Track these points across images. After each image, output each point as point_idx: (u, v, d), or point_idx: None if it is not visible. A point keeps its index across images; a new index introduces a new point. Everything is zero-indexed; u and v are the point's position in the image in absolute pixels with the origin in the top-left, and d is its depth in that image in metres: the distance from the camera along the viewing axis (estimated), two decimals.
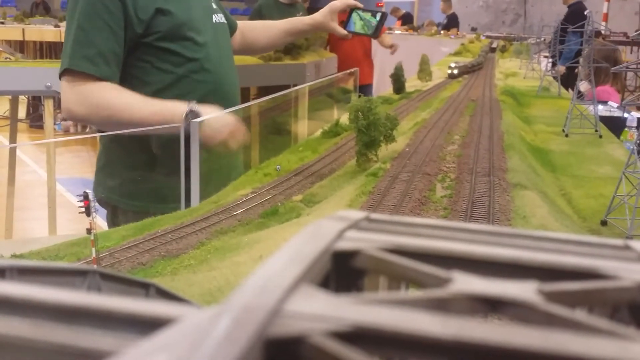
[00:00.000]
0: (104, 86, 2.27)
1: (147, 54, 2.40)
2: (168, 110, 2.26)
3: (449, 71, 5.26)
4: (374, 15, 3.14)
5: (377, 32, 3.16)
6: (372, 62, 7.36)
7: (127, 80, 2.37)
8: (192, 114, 2.19)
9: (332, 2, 3.19)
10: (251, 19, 5.10)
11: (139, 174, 2.43)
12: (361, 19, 3.14)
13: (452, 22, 13.06)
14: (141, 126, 2.20)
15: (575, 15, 3.43)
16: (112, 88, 2.30)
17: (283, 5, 5.74)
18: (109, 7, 2.29)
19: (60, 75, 2.32)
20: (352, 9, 3.15)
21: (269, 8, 5.63)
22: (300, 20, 3.26)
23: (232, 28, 2.98)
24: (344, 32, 3.13)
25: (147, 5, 2.35)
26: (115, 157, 2.50)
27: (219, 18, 2.75)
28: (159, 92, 2.36)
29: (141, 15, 2.32)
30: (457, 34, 11.71)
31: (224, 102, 2.41)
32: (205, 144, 2.23)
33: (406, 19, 15.85)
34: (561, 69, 5.38)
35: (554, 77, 5.13)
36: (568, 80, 5.62)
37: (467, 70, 5.55)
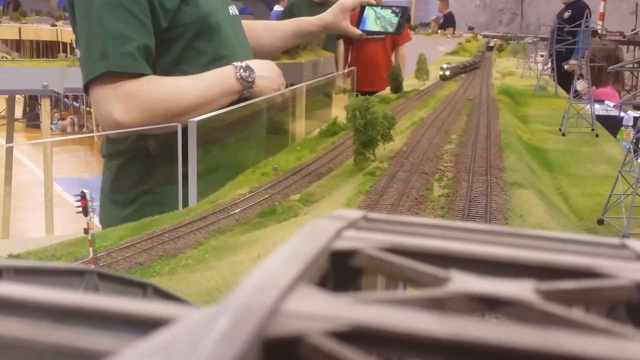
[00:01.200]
0: (144, 81, 2.06)
1: (170, 53, 2.19)
2: (221, 78, 2.17)
3: (441, 72, 5.00)
4: (394, 13, 2.88)
5: (400, 29, 2.90)
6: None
7: None
8: (246, 71, 2.18)
9: (342, 0, 2.90)
10: (281, 19, 4.87)
11: (153, 185, 2.22)
12: (378, 16, 2.88)
13: (448, 21, 13.09)
14: (205, 104, 2.10)
15: (582, 13, 3.43)
16: (152, 80, 2.09)
17: (315, 4, 5.55)
18: None
19: (90, 83, 2.04)
20: (363, 6, 2.89)
21: (300, 8, 5.47)
22: (308, 21, 2.98)
23: None
24: (358, 32, 2.86)
25: None
26: (127, 176, 2.26)
27: (234, 10, 2.56)
28: None
29: (167, 4, 2.11)
30: (454, 34, 11.73)
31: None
32: (261, 92, 2.28)
33: None
34: (573, 64, 5.36)
35: (567, 71, 5.13)
36: (564, 79, 5.64)
37: (461, 71, 5.35)
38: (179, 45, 2.19)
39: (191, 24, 2.18)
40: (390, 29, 2.92)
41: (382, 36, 5.81)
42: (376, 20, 2.89)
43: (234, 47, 2.34)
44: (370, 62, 6.15)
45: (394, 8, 2.89)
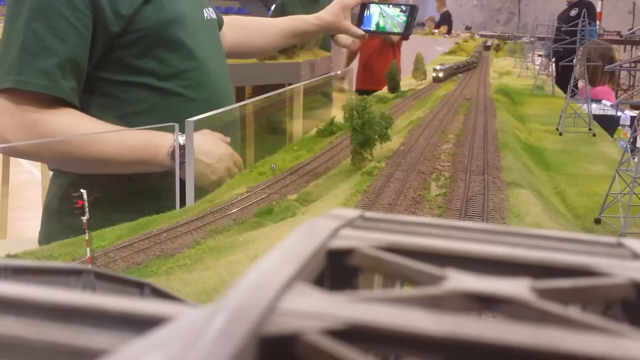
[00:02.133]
0: (57, 113, 1.77)
1: (123, 63, 1.92)
2: (149, 145, 1.85)
3: (434, 74, 4.72)
4: (402, 12, 2.61)
5: (409, 30, 2.62)
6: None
7: (93, 99, 1.91)
8: (181, 150, 1.83)
9: None
10: (273, 17, 4.78)
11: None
12: (383, 14, 2.61)
13: (444, 20, 13.14)
14: (116, 165, 1.80)
15: (589, 12, 3.44)
16: (70, 113, 1.79)
17: (307, 1, 5.28)
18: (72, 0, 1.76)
19: None
20: (365, 4, 2.65)
21: (292, 5, 5.22)
22: (305, 20, 2.74)
23: (219, 24, 2.52)
24: (360, 32, 2.63)
25: None
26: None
27: (209, 13, 2.29)
28: (139, 115, 1.94)
29: (123, 9, 1.84)
30: (450, 33, 11.76)
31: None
32: (198, 181, 1.89)
33: None
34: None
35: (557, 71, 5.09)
36: (562, 79, 5.65)
37: (455, 72, 5.14)
38: (134, 54, 1.92)
39: (150, 28, 1.91)
40: (398, 30, 2.66)
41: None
42: (381, 19, 2.64)
43: (203, 59, 2.09)
44: (375, 60, 5.86)
45: (401, 6, 2.63)
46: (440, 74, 4.70)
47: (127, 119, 1.92)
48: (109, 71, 1.91)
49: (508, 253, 0.36)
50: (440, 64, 4.90)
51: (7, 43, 1.76)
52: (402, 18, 2.59)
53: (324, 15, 2.68)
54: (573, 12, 8.15)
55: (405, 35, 2.74)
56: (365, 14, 2.68)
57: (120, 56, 1.91)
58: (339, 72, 4.60)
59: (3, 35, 1.81)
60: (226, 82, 2.31)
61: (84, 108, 1.89)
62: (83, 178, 1.94)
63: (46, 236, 1.97)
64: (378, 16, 2.64)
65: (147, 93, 1.97)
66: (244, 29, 2.62)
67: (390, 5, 2.66)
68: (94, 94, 1.91)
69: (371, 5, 2.68)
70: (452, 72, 5.02)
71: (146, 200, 1.90)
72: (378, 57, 5.97)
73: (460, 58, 6.25)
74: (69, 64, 1.78)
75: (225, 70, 2.32)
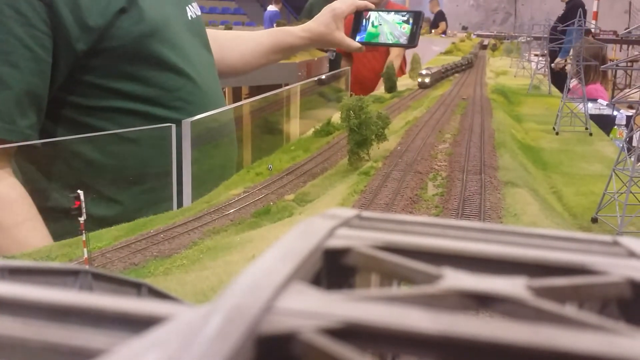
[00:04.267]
0: (5, 180, 1.49)
1: (96, 85, 1.66)
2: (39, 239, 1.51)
3: (419, 79, 4.25)
4: (405, 19, 2.21)
5: (414, 40, 2.22)
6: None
7: (65, 131, 1.66)
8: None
9: (334, 5, 2.29)
10: (301, 20, 4.43)
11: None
12: (383, 23, 2.23)
13: (439, 19, 13.20)
14: (13, 239, 1.48)
15: (576, 12, 3.43)
16: (15, 189, 1.51)
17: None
18: (25, 14, 1.45)
19: None
20: (360, 11, 2.28)
21: (320, 7, 5.00)
22: (290, 32, 2.38)
23: None
24: (356, 44, 2.26)
25: (105, 3, 1.59)
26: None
27: (194, 10, 2.02)
28: (121, 145, 1.72)
29: (91, 19, 1.55)
30: (446, 31, 11.79)
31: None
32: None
33: None
34: (561, 62, 5.36)
35: (553, 69, 5.05)
36: (558, 78, 5.66)
37: (444, 76, 4.75)
38: (109, 74, 1.65)
39: (128, 44, 1.64)
40: (402, 40, 2.24)
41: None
42: (380, 28, 2.25)
43: (192, 73, 1.84)
44: (370, 70, 5.23)
45: (403, 13, 2.24)
46: (427, 79, 4.26)
47: (98, 149, 1.69)
48: (80, 96, 1.65)
49: (504, 252, 0.36)
50: (427, 68, 4.48)
51: None
52: (406, 27, 2.22)
53: (313, 26, 2.32)
54: (561, 12, 8.17)
55: (409, 46, 2.32)
56: (361, 22, 2.29)
57: (91, 79, 1.63)
58: (342, 69, 4.49)
59: None
60: (217, 92, 2.09)
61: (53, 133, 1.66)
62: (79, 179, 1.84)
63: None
64: (377, 25, 2.27)
65: (128, 119, 1.72)
66: (214, 44, 2.17)
67: (392, 12, 2.27)
68: (66, 123, 1.64)
69: (368, 12, 2.30)
70: (440, 77, 4.64)
71: (143, 201, 1.90)
72: (365, 68, 5.30)
73: (457, 58, 6.21)
74: (26, 97, 1.51)
75: (215, 78, 2.09)
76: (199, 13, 2.05)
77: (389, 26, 2.24)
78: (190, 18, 1.96)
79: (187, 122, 1.96)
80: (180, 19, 1.88)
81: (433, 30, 12.48)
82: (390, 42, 2.27)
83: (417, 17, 2.22)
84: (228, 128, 2.22)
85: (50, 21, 1.52)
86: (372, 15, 2.27)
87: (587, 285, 0.32)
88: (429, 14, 14.76)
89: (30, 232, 1.53)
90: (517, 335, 0.25)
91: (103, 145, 1.79)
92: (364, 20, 2.28)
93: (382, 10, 2.29)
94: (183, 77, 1.82)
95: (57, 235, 1.51)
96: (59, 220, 1.61)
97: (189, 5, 1.98)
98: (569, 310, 0.28)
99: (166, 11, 1.79)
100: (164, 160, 1.91)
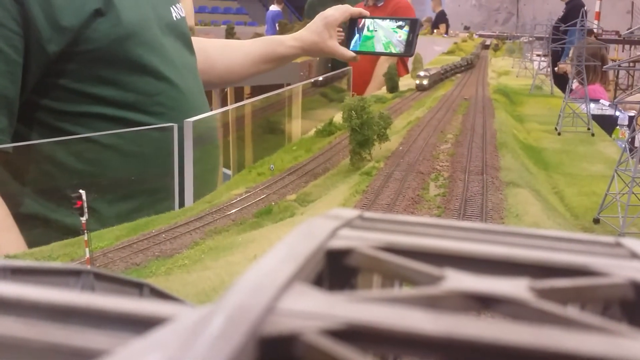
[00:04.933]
0: None
1: (72, 90, 1.58)
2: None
3: (417, 82, 4.10)
4: (400, 27, 2.13)
5: (411, 49, 2.12)
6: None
7: (35, 132, 1.59)
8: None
9: (326, 13, 2.20)
10: (306, 17, 4.06)
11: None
12: (378, 31, 2.14)
13: (440, 19, 13.21)
14: None
15: (576, 12, 3.43)
16: None
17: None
18: None
19: None
20: (354, 19, 2.20)
21: (318, 6, 4.46)
22: (281, 42, 2.29)
23: None
24: (350, 54, 2.19)
25: (81, 1, 1.52)
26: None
27: (178, 11, 1.92)
28: (99, 152, 1.63)
29: (65, 19, 1.48)
30: (447, 31, 11.80)
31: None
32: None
33: None
34: (563, 66, 5.35)
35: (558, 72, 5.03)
36: (560, 79, 5.65)
37: (442, 77, 4.59)
38: (85, 78, 1.58)
39: (104, 47, 1.56)
40: (397, 49, 2.14)
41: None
42: (375, 36, 2.15)
43: (173, 77, 1.76)
44: (360, 73, 4.94)
45: (399, 21, 2.14)
46: (425, 81, 4.07)
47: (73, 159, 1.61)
48: (55, 100, 1.58)
49: (506, 253, 0.36)
50: (425, 70, 4.31)
51: None
52: (402, 35, 2.12)
53: (305, 35, 2.22)
54: (561, 13, 8.15)
55: (405, 55, 2.25)
56: (355, 30, 2.20)
57: (66, 83, 1.56)
58: (343, 69, 4.42)
59: None
60: (199, 96, 1.99)
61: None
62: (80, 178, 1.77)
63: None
64: (371, 34, 2.18)
65: (105, 125, 1.63)
66: (201, 54, 2.08)
67: (387, 20, 2.19)
68: (40, 128, 1.56)
69: (363, 20, 2.21)
70: (439, 78, 4.47)
71: (145, 201, 1.89)
72: (355, 71, 4.88)
73: (457, 59, 6.18)
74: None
75: (197, 81, 1.99)
76: (182, 14, 1.96)
77: (384, 34, 2.15)
78: (175, 19, 1.87)
79: (188, 122, 1.96)
80: (163, 20, 1.80)
81: (435, 30, 12.48)
82: (386, 51, 2.18)
83: (413, 25, 2.13)
84: (211, 134, 2.12)
85: (21, 20, 1.44)
86: (367, 22, 2.18)
87: (590, 287, 0.32)
88: (430, 14, 14.77)
89: (3, 245, 1.46)
90: (519, 336, 0.25)
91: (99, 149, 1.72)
92: (358, 28, 2.20)
93: (377, 18, 2.20)
94: (163, 81, 1.75)
95: (32, 244, 1.47)
96: (36, 228, 1.58)
97: (174, 6, 1.89)
98: (571, 311, 0.28)
99: (146, 13, 1.70)
100: (165, 161, 1.89)
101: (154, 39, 1.71)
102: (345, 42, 2.20)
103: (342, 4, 4.46)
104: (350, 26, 2.21)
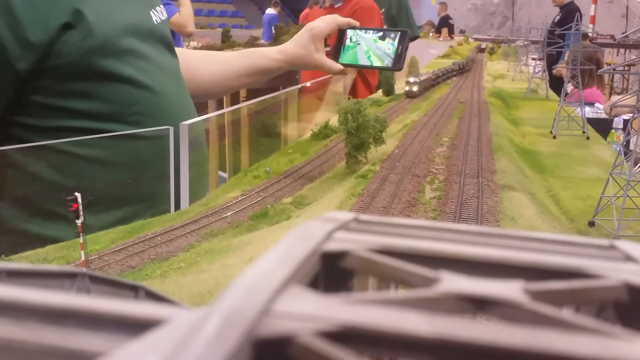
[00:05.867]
0: None
1: (46, 105, 1.54)
2: None
3: (407, 88, 3.90)
4: (390, 38, 2.00)
5: (399, 62, 2.01)
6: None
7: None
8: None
9: (312, 24, 2.11)
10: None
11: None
12: (367, 43, 2.03)
13: (443, 24, 13.28)
14: None
15: (571, 16, 3.44)
16: None
17: None
18: None
19: None
20: (342, 30, 2.09)
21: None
22: (264, 55, 2.17)
23: None
24: (338, 66, 2.07)
25: (48, 15, 1.45)
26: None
27: (159, 14, 1.82)
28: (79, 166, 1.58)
29: (33, 35, 1.43)
30: (451, 36, 11.85)
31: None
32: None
33: None
34: (560, 69, 5.37)
35: (552, 74, 5.03)
36: (556, 82, 5.67)
37: (434, 83, 4.42)
38: (58, 93, 1.53)
39: (76, 61, 1.50)
40: (386, 62, 2.02)
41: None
42: (364, 49, 2.06)
43: (153, 85, 1.68)
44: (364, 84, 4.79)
45: (389, 32, 2.03)
46: (415, 88, 3.87)
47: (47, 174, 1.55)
48: (30, 116, 1.54)
49: (501, 255, 0.36)
50: (414, 75, 4.10)
51: None
52: (390, 47, 2.01)
53: (290, 47, 2.11)
54: (557, 18, 8.16)
55: (394, 69, 2.13)
56: (343, 43, 2.09)
57: (40, 99, 1.52)
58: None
59: None
60: (183, 101, 1.91)
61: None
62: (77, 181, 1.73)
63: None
64: (360, 45, 2.07)
65: (73, 135, 1.58)
66: (183, 66, 1.99)
67: (374, 31, 2.07)
68: (17, 144, 1.52)
69: (350, 31, 2.10)
70: (430, 84, 4.30)
71: (140, 204, 1.88)
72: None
73: (449, 63, 6.16)
74: None
75: (181, 85, 1.91)
76: (163, 17, 1.87)
77: (370, 46, 2.03)
78: (155, 22, 1.78)
79: (184, 125, 1.95)
80: (142, 26, 1.72)
81: (431, 34, 12.53)
82: (374, 64, 2.06)
83: (402, 37, 2.01)
84: (200, 138, 2.07)
85: None
86: (354, 34, 2.07)
87: (584, 289, 0.32)
88: (428, 17, 14.81)
89: None
90: (514, 338, 0.25)
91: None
92: (346, 40, 2.09)
93: (365, 29, 2.09)
94: (141, 89, 1.67)
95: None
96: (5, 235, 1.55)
97: (154, 9, 1.80)
98: (566, 314, 0.28)
99: (120, 20, 1.63)
100: (160, 164, 1.87)
101: (130, 46, 1.64)
102: (334, 55, 2.11)
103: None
104: (338, 38, 2.11)
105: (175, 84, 1.87)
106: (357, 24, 2.10)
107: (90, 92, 1.57)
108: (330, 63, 2.07)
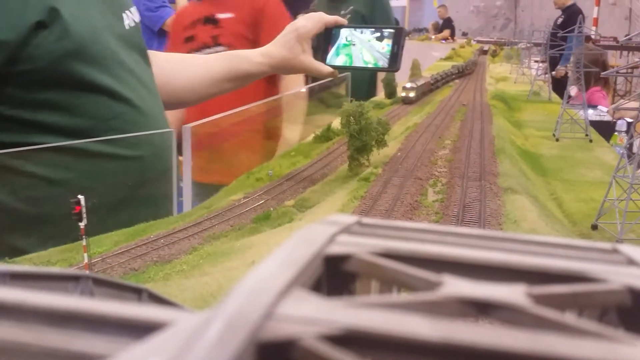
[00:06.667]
0: None
1: (10, 118, 1.37)
2: None
3: (403, 94, 3.75)
4: (385, 36, 1.84)
5: (396, 62, 1.83)
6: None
7: None
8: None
9: (297, 23, 1.92)
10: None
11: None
12: (358, 42, 1.87)
13: (445, 26, 13.32)
14: None
15: (574, 18, 3.43)
16: None
17: (333, 3, 4.27)
18: None
19: None
20: (330, 29, 1.91)
21: (320, 6, 4.30)
22: (246, 58, 1.98)
23: None
24: (327, 69, 1.87)
25: (18, 12, 1.28)
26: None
27: (132, 18, 1.68)
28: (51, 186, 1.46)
29: (2, 34, 1.26)
30: (453, 38, 11.86)
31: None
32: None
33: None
34: (561, 70, 5.36)
35: (554, 76, 5.01)
36: (558, 84, 5.66)
37: (432, 88, 4.27)
38: (26, 103, 1.35)
39: (48, 66, 1.33)
40: (380, 63, 1.85)
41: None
42: (356, 49, 1.88)
43: (129, 96, 1.54)
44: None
45: (383, 31, 1.85)
46: (411, 94, 3.71)
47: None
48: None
49: (504, 259, 0.36)
50: (411, 81, 3.92)
51: None
52: (385, 47, 1.83)
53: (273, 49, 1.90)
54: (559, 20, 8.15)
55: (390, 70, 1.92)
56: (332, 42, 1.91)
57: (3, 110, 1.35)
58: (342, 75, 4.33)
59: None
60: (161, 116, 1.78)
61: None
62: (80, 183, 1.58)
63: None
64: (351, 45, 1.90)
65: (52, 157, 1.44)
66: (158, 71, 1.83)
67: (368, 30, 1.88)
68: None
69: (340, 30, 1.91)
70: (428, 89, 4.13)
71: (143, 206, 1.86)
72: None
73: (456, 64, 6.15)
74: None
75: (156, 97, 1.77)
76: (137, 20, 1.73)
77: (364, 46, 1.86)
78: (127, 27, 1.63)
79: (187, 128, 1.96)
80: (115, 30, 1.56)
81: (433, 36, 12.54)
82: (368, 65, 1.87)
83: (397, 35, 1.84)
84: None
85: None
86: (345, 32, 1.90)
87: (587, 293, 0.32)
88: (432, 19, 14.83)
89: None
90: (516, 342, 0.25)
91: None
92: (336, 40, 1.91)
93: (357, 27, 1.92)
94: (121, 102, 1.53)
95: None
96: None
97: (127, 12, 1.65)
98: (569, 317, 0.28)
99: (96, 22, 1.47)
100: (163, 166, 1.85)
101: (109, 52, 1.48)
102: (321, 56, 1.92)
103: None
104: (326, 38, 1.93)
105: (152, 98, 1.75)
106: (345, 22, 1.94)
107: (62, 103, 1.41)
108: (318, 65, 1.88)
